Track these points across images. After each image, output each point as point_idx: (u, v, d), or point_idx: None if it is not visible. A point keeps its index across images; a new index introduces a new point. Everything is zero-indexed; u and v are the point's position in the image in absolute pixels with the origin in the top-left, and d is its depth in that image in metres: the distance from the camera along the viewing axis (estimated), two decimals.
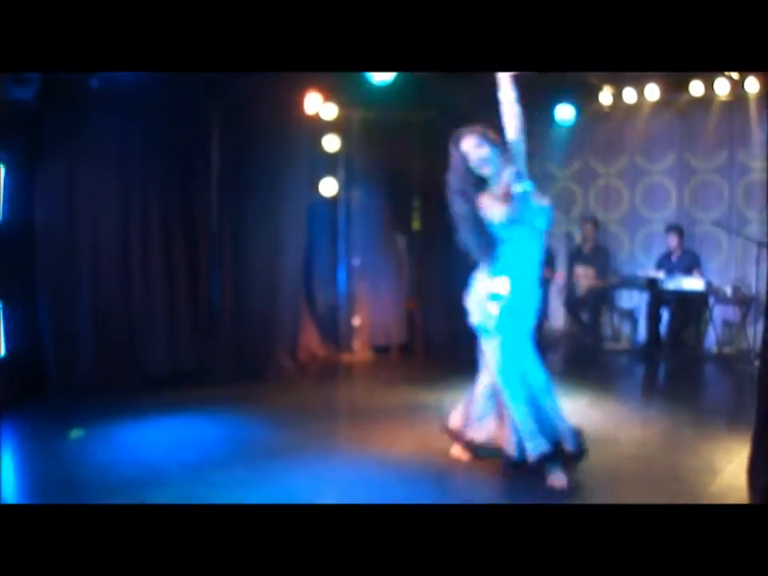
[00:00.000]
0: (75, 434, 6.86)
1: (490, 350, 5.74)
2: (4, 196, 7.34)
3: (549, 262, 12.62)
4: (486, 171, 5.65)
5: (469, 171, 5.67)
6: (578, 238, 12.85)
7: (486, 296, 5.66)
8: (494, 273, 5.63)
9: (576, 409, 7.77)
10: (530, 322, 5.79)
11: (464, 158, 5.66)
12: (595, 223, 12.56)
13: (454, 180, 5.71)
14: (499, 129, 5.63)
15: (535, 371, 5.75)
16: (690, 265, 11.25)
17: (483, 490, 5.54)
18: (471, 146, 5.63)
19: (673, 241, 11.44)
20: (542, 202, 5.69)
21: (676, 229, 11.49)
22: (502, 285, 5.60)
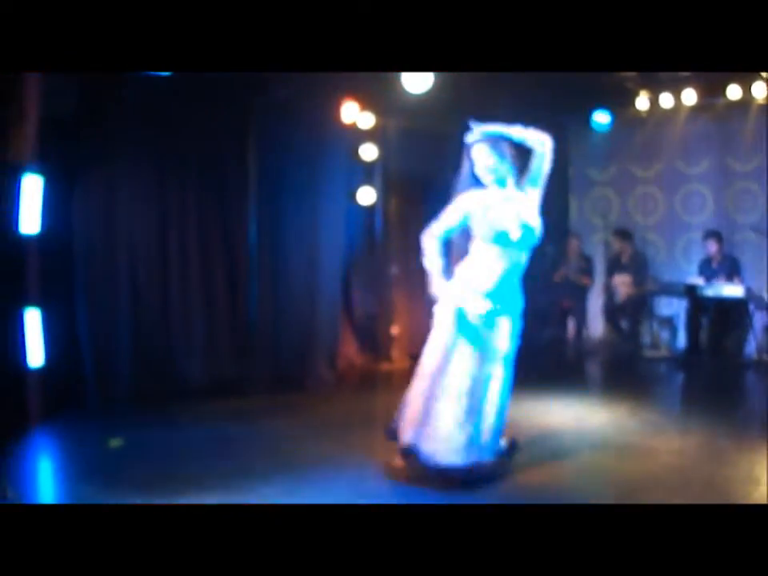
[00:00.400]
0: (113, 443, 6.91)
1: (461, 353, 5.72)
2: (43, 207, 7.40)
3: (586, 269, 12.61)
4: (488, 180, 5.75)
5: (473, 177, 5.78)
6: (615, 246, 12.77)
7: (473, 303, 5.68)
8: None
9: (615, 418, 7.76)
10: (509, 332, 5.87)
11: (471, 164, 5.78)
12: (625, 235, 12.48)
13: (458, 183, 5.85)
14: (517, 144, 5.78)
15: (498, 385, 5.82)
16: (731, 271, 11.16)
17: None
18: (480, 154, 5.71)
19: (712, 247, 11.36)
20: (532, 221, 5.71)
21: (715, 235, 11.39)
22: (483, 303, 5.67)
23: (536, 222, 5.72)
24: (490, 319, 5.70)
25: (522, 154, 5.78)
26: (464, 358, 5.68)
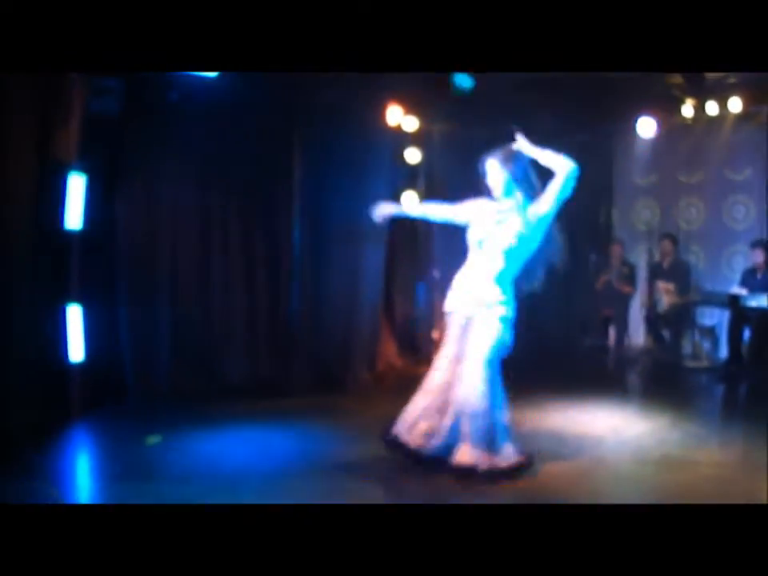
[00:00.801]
0: (152, 440, 6.95)
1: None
2: (86, 204, 7.48)
3: (629, 277, 12.54)
4: (496, 193, 5.98)
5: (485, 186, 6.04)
6: (657, 254, 12.70)
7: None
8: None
9: (656, 429, 7.70)
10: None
11: (483, 174, 6.02)
12: (673, 240, 12.40)
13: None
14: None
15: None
16: None
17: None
18: (491, 168, 5.97)
19: (759, 257, 11.18)
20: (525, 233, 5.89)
21: (762, 244, 11.24)
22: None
23: (533, 234, 5.90)
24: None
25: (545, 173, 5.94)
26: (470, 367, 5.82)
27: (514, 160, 5.91)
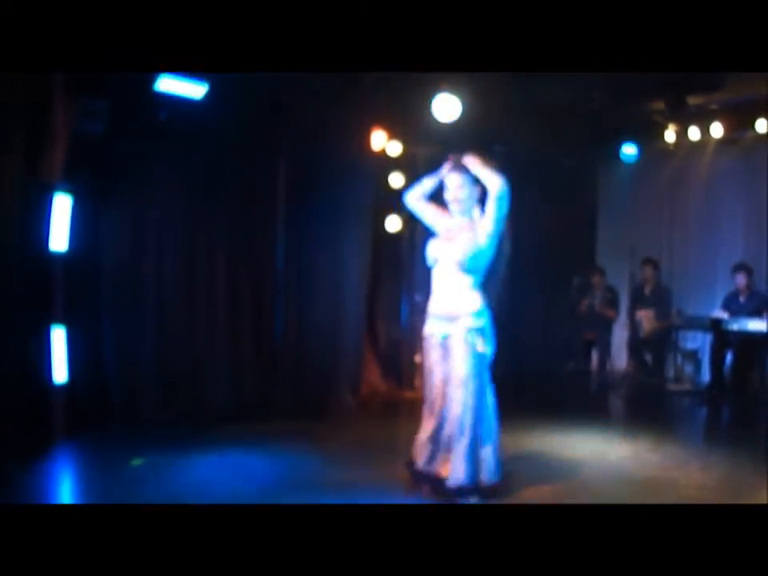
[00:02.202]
0: (135, 462, 6.93)
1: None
2: (72, 225, 7.49)
3: (612, 301, 12.59)
4: (454, 207, 5.99)
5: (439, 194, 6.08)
6: (639, 279, 12.76)
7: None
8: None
9: (639, 452, 7.73)
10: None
11: (442, 184, 6.04)
12: (655, 266, 12.49)
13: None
14: None
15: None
16: (759, 307, 11.05)
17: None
18: (454, 181, 5.93)
19: (741, 280, 11.25)
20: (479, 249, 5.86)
21: (744, 268, 11.31)
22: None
23: (484, 251, 5.84)
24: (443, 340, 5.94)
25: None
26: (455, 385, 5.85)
27: (476, 181, 5.88)
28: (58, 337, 7.41)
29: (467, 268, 5.79)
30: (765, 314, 10.93)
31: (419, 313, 11.40)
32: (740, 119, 11.34)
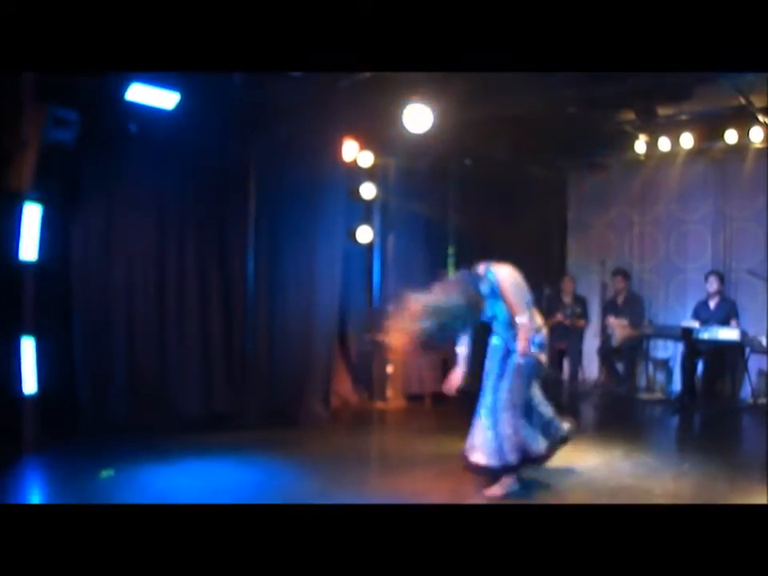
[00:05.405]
0: (105, 473, 6.88)
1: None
2: (41, 235, 7.44)
3: (581, 312, 12.62)
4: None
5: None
6: (611, 289, 12.81)
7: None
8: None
9: (610, 461, 7.74)
10: None
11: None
12: (625, 276, 12.57)
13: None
14: None
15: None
16: (728, 314, 11.16)
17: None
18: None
19: (713, 285, 11.31)
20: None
21: (716, 273, 11.42)
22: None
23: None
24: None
25: None
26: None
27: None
28: (28, 347, 7.36)
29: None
30: (733, 322, 11.01)
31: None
32: (710, 130, 11.43)
